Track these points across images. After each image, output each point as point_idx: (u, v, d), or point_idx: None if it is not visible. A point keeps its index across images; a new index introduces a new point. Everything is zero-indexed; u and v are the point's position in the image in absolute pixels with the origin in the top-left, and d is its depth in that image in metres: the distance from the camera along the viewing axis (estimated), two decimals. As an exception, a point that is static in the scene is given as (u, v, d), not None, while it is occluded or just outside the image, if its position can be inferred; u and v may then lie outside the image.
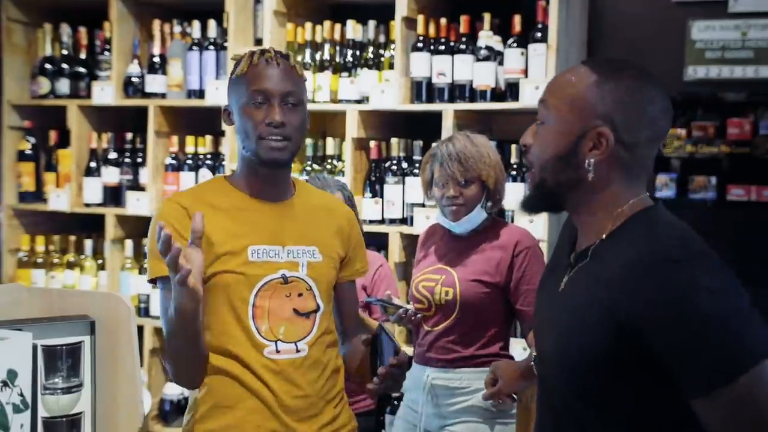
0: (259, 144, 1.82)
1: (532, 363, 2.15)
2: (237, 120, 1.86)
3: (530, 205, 1.53)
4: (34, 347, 1.54)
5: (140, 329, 3.64)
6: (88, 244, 3.92)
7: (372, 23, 3.48)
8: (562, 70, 1.54)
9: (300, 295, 1.87)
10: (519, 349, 2.99)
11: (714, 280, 1.33)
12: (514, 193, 3.21)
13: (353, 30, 3.47)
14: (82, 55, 3.97)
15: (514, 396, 2.38)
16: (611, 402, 1.41)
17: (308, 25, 3.51)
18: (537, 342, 1.59)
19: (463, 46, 3.30)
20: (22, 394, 1.44)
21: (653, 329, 1.33)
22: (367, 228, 3.43)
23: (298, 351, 1.86)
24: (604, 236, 1.45)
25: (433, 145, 2.66)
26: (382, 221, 3.41)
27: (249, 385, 1.82)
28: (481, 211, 2.56)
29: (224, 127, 3.64)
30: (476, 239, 2.58)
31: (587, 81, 1.44)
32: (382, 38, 3.47)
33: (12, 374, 1.42)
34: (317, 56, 3.50)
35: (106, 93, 3.83)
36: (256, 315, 1.83)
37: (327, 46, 3.49)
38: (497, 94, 3.28)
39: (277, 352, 1.84)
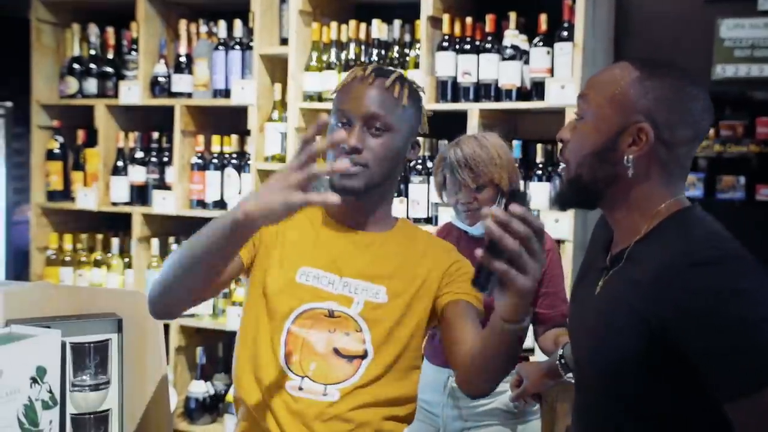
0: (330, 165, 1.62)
1: (557, 363, 2.14)
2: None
3: (563, 201, 1.51)
4: (63, 344, 1.55)
5: (166, 327, 3.66)
6: (115, 242, 3.95)
7: (397, 23, 3.48)
8: (594, 69, 1.53)
9: (347, 334, 1.64)
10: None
11: (748, 284, 1.31)
12: (539, 193, 3.20)
13: (378, 29, 3.47)
14: (110, 55, 4.00)
15: (539, 396, 2.37)
16: (647, 406, 1.40)
17: (333, 24, 3.52)
18: (573, 346, 1.58)
19: (488, 45, 3.28)
20: (51, 391, 1.45)
21: (686, 333, 1.31)
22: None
23: (325, 395, 1.62)
24: (638, 238, 1.44)
25: (442, 148, 2.63)
26: (406, 220, 3.41)
27: (259, 420, 1.64)
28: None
29: (250, 126, 3.65)
30: None
31: (629, 77, 1.43)
32: (407, 37, 3.46)
33: (41, 371, 1.44)
34: (342, 56, 3.50)
35: (133, 93, 3.85)
36: (288, 341, 1.64)
37: (352, 46, 3.49)
38: (523, 94, 3.26)
39: (300, 389, 1.62)
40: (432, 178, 3.31)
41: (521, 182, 2.60)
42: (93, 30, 4.00)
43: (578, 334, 1.55)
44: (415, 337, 1.70)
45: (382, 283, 1.68)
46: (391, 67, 1.82)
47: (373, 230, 1.73)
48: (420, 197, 3.36)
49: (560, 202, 1.52)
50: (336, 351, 1.63)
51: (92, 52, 4.01)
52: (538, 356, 3.02)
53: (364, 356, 1.64)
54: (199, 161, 3.79)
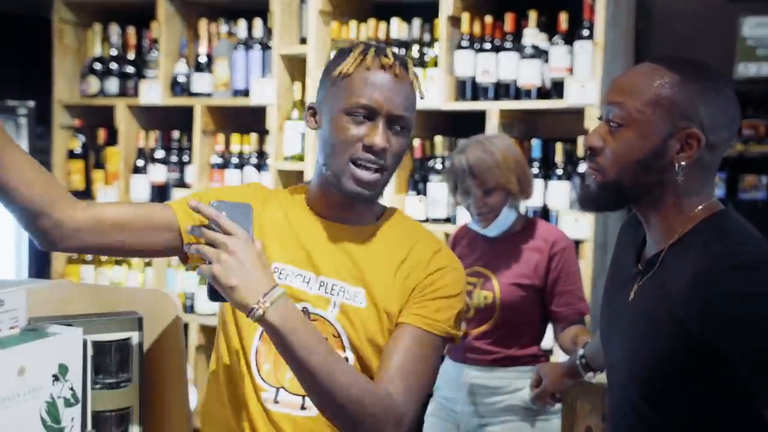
0: (348, 169, 1.46)
1: (577, 363, 2.13)
2: (326, 127, 1.49)
3: (595, 204, 1.47)
4: (84, 342, 1.56)
5: (185, 326, 3.68)
6: (136, 241, 3.96)
7: (416, 22, 3.47)
8: (614, 68, 1.50)
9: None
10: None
11: None
12: (558, 192, 3.19)
13: (398, 28, 3.46)
14: (131, 55, 4.02)
15: (559, 396, 2.37)
16: (684, 411, 1.38)
17: (353, 23, 3.52)
18: (606, 349, 1.56)
19: (508, 44, 3.28)
20: (72, 389, 1.46)
21: (726, 337, 1.30)
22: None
23: (303, 408, 1.48)
24: (673, 241, 1.42)
25: (450, 152, 2.63)
26: (425, 220, 3.41)
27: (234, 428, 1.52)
28: (510, 212, 2.55)
29: (269, 126, 3.66)
30: (512, 240, 2.57)
31: (671, 81, 1.39)
32: (426, 37, 3.46)
33: (63, 369, 1.45)
34: (362, 55, 3.50)
35: (153, 92, 3.87)
36: (259, 350, 1.49)
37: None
38: (542, 93, 3.25)
39: (275, 402, 1.49)
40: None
41: (532, 181, 2.58)
42: (114, 30, 4.03)
43: (612, 338, 1.52)
44: None
45: (361, 284, 1.50)
46: (395, 49, 1.62)
47: (355, 224, 1.54)
48: (439, 197, 3.36)
49: (591, 204, 1.47)
50: None
51: (113, 51, 4.04)
52: (557, 356, 3.01)
53: None
54: (219, 160, 3.81)
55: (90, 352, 1.60)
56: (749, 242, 1.36)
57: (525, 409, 2.50)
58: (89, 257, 4.02)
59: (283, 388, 1.50)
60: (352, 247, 1.53)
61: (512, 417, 2.52)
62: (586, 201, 1.47)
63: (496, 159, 2.47)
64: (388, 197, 3.42)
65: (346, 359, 1.48)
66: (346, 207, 1.53)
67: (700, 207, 1.42)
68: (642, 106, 1.39)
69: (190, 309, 3.81)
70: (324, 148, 1.50)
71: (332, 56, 1.55)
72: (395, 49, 1.55)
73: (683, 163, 1.39)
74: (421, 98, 1.54)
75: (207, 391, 1.66)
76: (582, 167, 3.13)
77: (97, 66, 4.04)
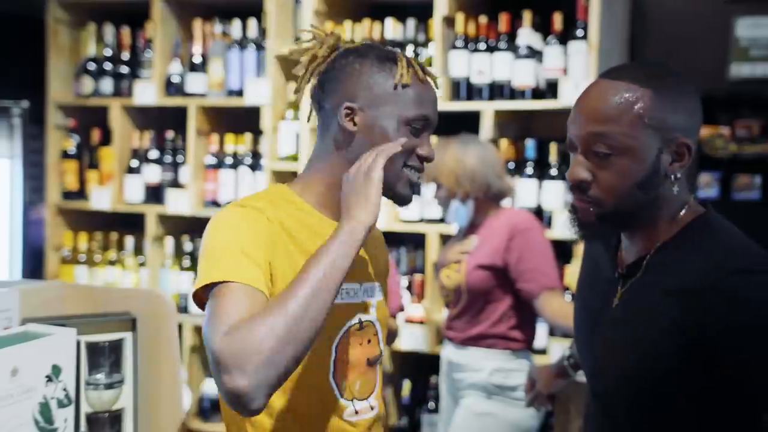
0: (403, 174, 1.52)
1: (565, 363, 2.14)
2: (380, 132, 1.50)
3: (598, 235, 1.44)
4: (78, 343, 1.56)
5: (179, 327, 3.67)
6: (130, 241, 3.96)
7: (411, 22, 3.47)
8: (588, 90, 1.43)
9: (369, 341, 1.57)
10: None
11: None
12: (552, 192, 3.19)
13: (392, 28, 3.46)
14: (125, 55, 4.01)
15: (553, 397, 2.37)
16: (677, 416, 1.38)
17: (347, 23, 3.52)
18: (584, 359, 1.55)
19: (502, 45, 3.28)
20: (65, 390, 1.46)
21: (728, 342, 1.30)
22: (404, 228, 3.43)
23: (372, 409, 1.58)
24: (660, 244, 1.41)
25: None
26: (420, 221, 3.41)
27: None
28: (462, 206, 2.80)
29: (263, 126, 3.66)
30: (482, 228, 2.81)
31: (646, 96, 1.36)
32: (421, 37, 3.46)
33: (56, 369, 1.44)
34: (356, 55, 3.50)
35: (147, 92, 3.87)
36: (337, 370, 1.52)
37: (366, 45, 3.49)
38: (537, 93, 3.25)
39: (356, 413, 1.55)
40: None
41: (486, 183, 2.78)
42: (109, 30, 4.02)
43: (593, 344, 1.51)
44: None
45: (377, 279, 1.62)
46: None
47: None
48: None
49: (591, 234, 1.43)
50: (368, 361, 1.57)
51: (108, 52, 4.03)
52: (552, 354, 3.02)
53: (380, 356, 1.60)
54: (213, 161, 3.80)
55: (83, 352, 1.60)
56: (744, 246, 1.36)
57: (484, 386, 2.74)
58: (82, 257, 4.02)
59: (355, 398, 1.55)
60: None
61: (474, 392, 2.76)
62: (587, 233, 1.43)
63: (441, 158, 2.76)
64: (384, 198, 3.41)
65: (381, 352, 1.60)
66: None
67: (684, 210, 1.42)
68: (628, 130, 1.35)
69: (184, 309, 3.81)
70: (368, 147, 1.50)
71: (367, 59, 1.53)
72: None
73: (678, 174, 1.38)
74: None
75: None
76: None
77: (92, 66, 4.03)
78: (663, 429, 1.40)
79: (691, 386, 1.35)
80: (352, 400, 1.54)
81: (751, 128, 3.22)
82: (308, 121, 1.72)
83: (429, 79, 1.56)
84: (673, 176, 1.38)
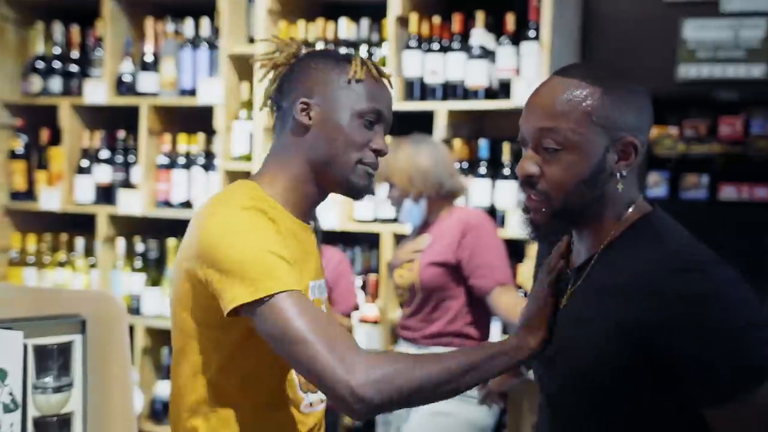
0: (357, 168, 1.55)
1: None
2: (334, 126, 1.54)
3: (548, 233, 1.45)
4: (25, 346, 1.53)
5: (131, 328, 3.63)
6: (80, 243, 3.91)
7: (365, 22, 3.48)
8: (540, 87, 1.46)
9: None
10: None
11: (732, 290, 1.32)
12: (505, 192, 3.22)
13: (346, 28, 3.46)
14: (75, 54, 3.96)
15: (505, 395, 2.39)
16: (624, 414, 1.39)
17: (301, 23, 3.51)
18: (536, 362, 1.57)
19: (456, 45, 3.30)
20: (12, 394, 1.43)
21: (669, 339, 1.31)
22: (358, 227, 3.43)
23: (322, 402, 1.61)
24: (605, 243, 1.42)
25: None
26: (374, 220, 3.41)
27: None
28: (415, 206, 2.82)
29: (216, 126, 3.63)
30: (436, 226, 2.83)
31: (595, 94, 1.38)
32: (374, 37, 3.47)
33: (2, 373, 1.42)
34: (310, 55, 3.49)
35: (98, 91, 3.81)
36: None
37: (320, 45, 3.48)
38: (490, 93, 3.28)
39: (310, 405, 1.58)
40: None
41: (440, 183, 2.80)
42: (57, 28, 3.96)
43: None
44: None
45: (323, 275, 1.66)
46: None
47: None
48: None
49: (543, 234, 1.45)
50: None
51: (57, 50, 3.96)
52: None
53: None
54: (166, 161, 3.76)
55: (31, 355, 1.57)
56: (687, 244, 1.38)
57: None
58: (31, 259, 3.95)
59: (310, 391, 1.57)
60: (315, 243, 1.64)
61: None
62: (540, 234, 1.45)
63: (395, 156, 2.78)
64: (337, 198, 3.41)
65: None
66: (315, 204, 1.60)
67: (631, 209, 1.44)
68: (576, 126, 1.38)
69: (135, 311, 3.76)
70: (329, 146, 1.54)
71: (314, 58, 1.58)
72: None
73: (624, 172, 1.40)
74: None
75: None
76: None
77: (40, 65, 3.96)
78: (609, 428, 1.41)
79: (637, 386, 1.36)
80: (307, 393, 1.56)
81: (698, 128, 3.28)
82: (261, 109, 1.69)
83: (384, 79, 1.59)
84: (618, 174, 1.40)
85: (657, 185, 3.31)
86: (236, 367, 1.50)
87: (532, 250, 3.14)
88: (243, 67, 3.63)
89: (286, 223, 1.52)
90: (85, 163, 3.90)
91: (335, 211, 3.39)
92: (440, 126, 3.25)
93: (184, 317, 1.52)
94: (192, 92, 3.70)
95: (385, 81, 1.60)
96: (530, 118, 1.43)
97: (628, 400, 1.38)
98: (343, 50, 1.66)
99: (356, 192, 1.57)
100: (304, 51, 1.62)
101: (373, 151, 1.56)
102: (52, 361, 1.62)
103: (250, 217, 1.45)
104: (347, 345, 1.37)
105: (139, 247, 3.80)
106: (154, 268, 3.78)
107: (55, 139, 3.97)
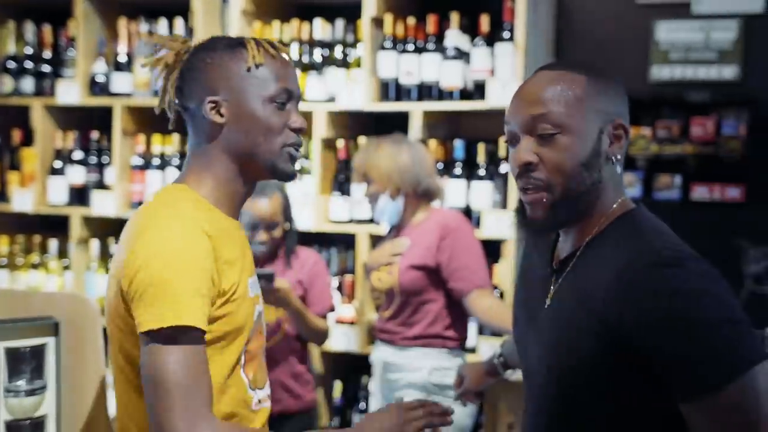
0: (282, 152, 1.52)
1: (495, 361, 2.17)
2: (250, 117, 1.51)
3: (548, 225, 1.44)
4: (-3, 349, 1.52)
5: (104, 330, 3.60)
6: (53, 244, 3.87)
7: (340, 22, 3.47)
8: (535, 69, 1.51)
9: (260, 332, 1.58)
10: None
11: (708, 285, 1.33)
12: (480, 193, 3.23)
13: (321, 29, 3.46)
14: (47, 54, 3.92)
15: (481, 394, 2.40)
16: (605, 409, 1.40)
17: (276, 23, 3.50)
18: (521, 353, 1.57)
19: (430, 46, 3.30)
20: (-16, 397, 1.42)
21: (645, 333, 1.32)
22: (334, 228, 3.43)
23: (268, 397, 1.61)
24: (588, 239, 1.44)
25: None
26: (350, 221, 3.41)
27: None
28: (392, 203, 2.82)
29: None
30: (414, 228, 2.83)
31: (582, 81, 1.42)
32: (350, 38, 3.47)
33: (-26, 377, 1.41)
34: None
35: (71, 92, 3.78)
36: (246, 363, 1.53)
37: (295, 46, 3.48)
38: (465, 94, 3.29)
39: (259, 402, 1.57)
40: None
41: (417, 181, 2.81)
42: (29, 27, 3.92)
43: (528, 341, 1.53)
44: None
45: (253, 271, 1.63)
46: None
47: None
48: (363, 198, 3.36)
49: (540, 229, 1.44)
50: (262, 350, 1.59)
51: (28, 50, 3.93)
52: (481, 354, 3.06)
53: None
54: (140, 162, 3.74)
55: (3, 358, 1.56)
56: (666, 240, 1.39)
57: (423, 386, 2.76)
58: (4, 260, 3.91)
59: (258, 388, 1.56)
60: (246, 238, 1.60)
61: (412, 392, 2.77)
62: (537, 229, 1.44)
63: (370, 157, 2.81)
64: (312, 198, 3.41)
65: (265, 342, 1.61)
66: (241, 200, 1.56)
67: (615, 205, 1.46)
68: (569, 109, 1.40)
69: (110, 313, 3.73)
70: (249, 139, 1.51)
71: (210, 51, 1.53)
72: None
73: (618, 155, 1.43)
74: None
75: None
76: (504, 167, 3.18)
77: (11, 64, 3.92)
78: (591, 423, 1.42)
79: (620, 385, 1.37)
80: (255, 390, 1.55)
81: (671, 129, 3.31)
82: (171, 127, 1.65)
83: (282, 54, 1.56)
84: (613, 158, 1.43)
85: (631, 186, 3.33)
86: None
87: (508, 250, 3.16)
88: (218, 67, 3.61)
89: (221, 224, 1.50)
90: (58, 164, 3.87)
91: (311, 212, 3.38)
92: (415, 126, 3.26)
93: (118, 334, 1.48)
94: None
95: (284, 55, 1.56)
96: (521, 109, 1.44)
97: (611, 398, 1.39)
98: (232, 36, 1.60)
99: (285, 177, 1.55)
100: (191, 45, 1.56)
101: (294, 130, 1.53)
102: (25, 364, 1.61)
103: (183, 237, 1.42)
104: (203, 403, 1.37)
105: (114, 248, 3.77)
106: (129, 270, 3.75)
107: (28, 139, 3.93)
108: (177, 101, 1.57)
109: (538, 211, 1.43)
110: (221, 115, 1.51)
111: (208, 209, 1.50)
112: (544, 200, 1.42)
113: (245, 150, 1.51)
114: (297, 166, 1.56)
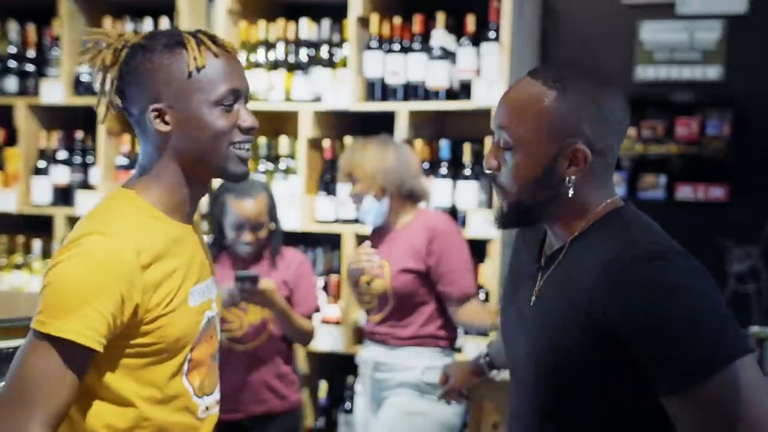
0: (231, 154, 1.47)
1: (481, 361, 2.17)
2: (195, 124, 1.45)
3: (507, 223, 1.50)
4: (-20, 350, 1.51)
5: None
6: (37, 245, 3.85)
7: (326, 22, 3.47)
8: (521, 69, 1.52)
9: (211, 337, 1.56)
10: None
11: (692, 279, 1.34)
12: (466, 192, 3.24)
13: (307, 29, 3.46)
14: (31, 53, 3.90)
15: (466, 393, 2.40)
16: (593, 404, 1.41)
17: (262, 23, 3.50)
18: (509, 351, 1.58)
19: (416, 46, 3.31)
20: (-33, 399, 1.41)
21: (630, 327, 1.33)
22: (320, 228, 3.43)
23: (217, 403, 1.58)
24: (573, 236, 1.45)
25: None
26: (336, 221, 3.41)
27: None
28: (376, 203, 2.81)
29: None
30: (403, 230, 2.82)
31: (549, 98, 1.41)
32: (336, 37, 3.46)
33: (-43, 378, 1.40)
34: (271, 55, 3.48)
35: (55, 91, 3.76)
36: (190, 370, 1.50)
37: (281, 45, 3.47)
38: (451, 94, 3.29)
39: (207, 409, 1.55)
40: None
41: (403, 182, 2.80)
42: (13, 26, 3.90)
43: (516, 337, 1.54)
44: None
45: (212, 273, 1.61)
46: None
47: (189, 221, 1.55)
48: (349, 198, 3.36)
49: (504, 224, 1.50)
50: (212, 357, 1.56)
51: (12, 49, 3.90)
52: (466, 353, 3.06)
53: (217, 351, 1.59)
54: (125, 161, 3.73)
55: (-14, 360, 1.55)
56: (651, 234, 1.40)
57: (416, 385, 2.75)
58: (-12, 262, 3.89)
59: (205, 394, 1.54)
60: (199, 243, 1.57)
61: (405, 391, 2.76)
62: (503, 222, 1.49)
63: (355, 157, 2.81)
64: (298, 198, 3.41)
65: (219, 346, 1.59)
66: (194, 204, 1.53)
67: (601, 205, 1.46)
68: (527, 131, 1.41)
69: (95, 314, 3.71)
70: (197, 145, 1.46)
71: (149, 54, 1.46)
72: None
73: (573, 177, 1.42)
74: None
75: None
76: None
77: (-5, 64, 3.91)
78: (579, 418, 1.43)
79: (600, 372, 1.39)
80: (202, 397, 1.52)
81: (655, 129, 3.33)
82: (102, 123, 1.59)
83: (224, 49, 1.48)
84: (567, 179, 1.42)
85: (616, 185, 3.34)
86: (126, 388, 1.45)
87: (494, 249, 3.17)
88: (203, 67, 3.60)
89: (166, 230, 1.47)
90: (42, 164, 3.85)
91: (296, 212, 3.38)
92: (401, 126, 3.26)
93: None
94: (151, 92, 3.66)
95: (228, 50, 1.49)
96: (496, 115, 1.47)
97: (599, 393, 1.40)
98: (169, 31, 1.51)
99: (236, 178, 1.51)
100: (129, 40, 1.48)
101: (243, 130, 1.48)
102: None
103: (104, 253, 1.39)
104: (36, 415, 1.36)
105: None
106: (114, 270, 3.74)
107: (11, 139, 3.91)
108: (120, 104, 1.50)
109: (502, 209, 1.49)
110: (166, 123, 1.46)
111: (152, 218, 1.46)
112: (503, 201, 1.47)
113: (194, 156, 1.47)
114: (248, 165, 1.52)
